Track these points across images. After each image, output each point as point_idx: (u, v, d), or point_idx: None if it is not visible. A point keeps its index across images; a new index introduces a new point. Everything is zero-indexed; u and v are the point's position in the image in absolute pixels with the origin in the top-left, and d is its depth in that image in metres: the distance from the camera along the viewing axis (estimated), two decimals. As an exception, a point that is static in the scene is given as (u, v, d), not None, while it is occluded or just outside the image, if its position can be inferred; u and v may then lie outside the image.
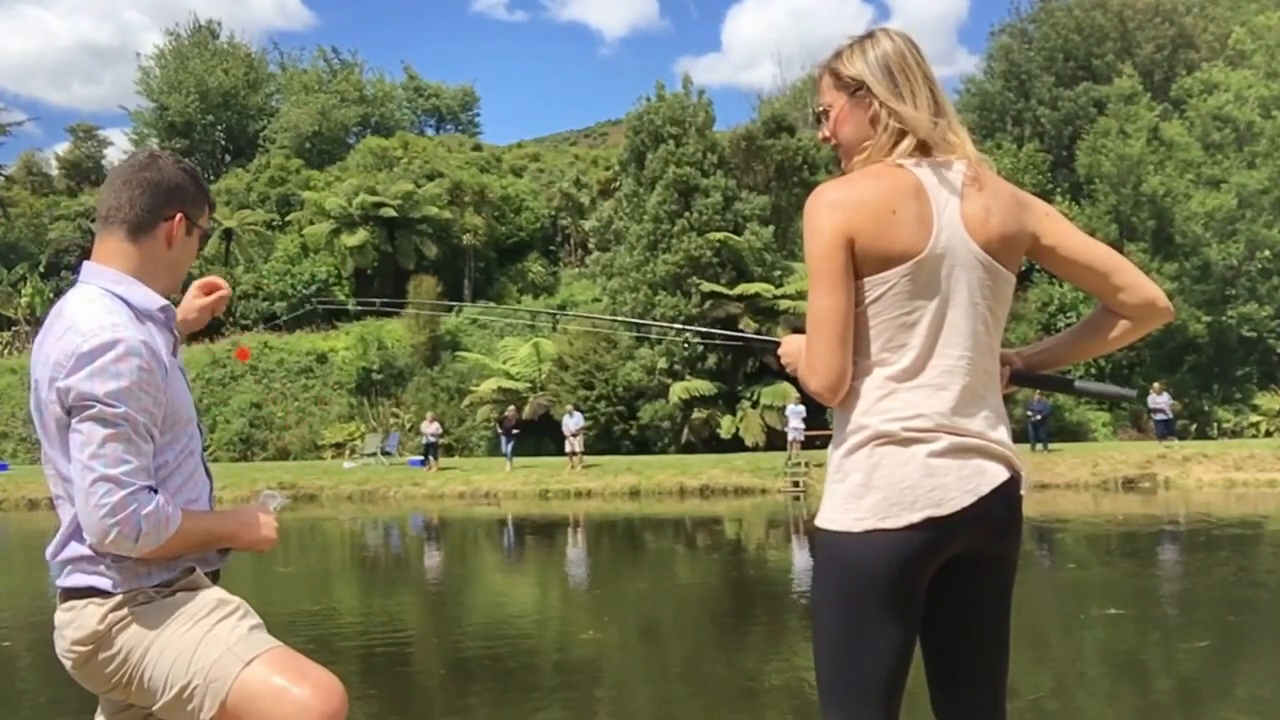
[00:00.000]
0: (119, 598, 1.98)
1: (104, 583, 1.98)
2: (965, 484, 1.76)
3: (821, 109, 1.95)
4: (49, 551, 2.06)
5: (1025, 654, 6.68)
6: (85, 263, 2.10)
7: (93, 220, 2.15)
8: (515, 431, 25.55)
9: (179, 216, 2.09)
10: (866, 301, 1.79)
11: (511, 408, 27.25)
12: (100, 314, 1.95)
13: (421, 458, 26.63)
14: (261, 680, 1.92)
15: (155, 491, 1.94)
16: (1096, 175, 31.53)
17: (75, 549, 2.00)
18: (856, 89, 1.87)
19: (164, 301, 2.08)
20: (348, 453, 31.70)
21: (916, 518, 1.73)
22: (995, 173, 1.90)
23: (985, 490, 1.77)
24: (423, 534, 17.99)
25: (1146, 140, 30.84)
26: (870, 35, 1.90)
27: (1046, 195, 34.22)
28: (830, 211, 1.78)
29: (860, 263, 1.78)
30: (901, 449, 1.76)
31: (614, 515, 19.01)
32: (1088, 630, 7.41)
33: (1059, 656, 6.60)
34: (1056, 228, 1.90)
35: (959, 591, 1.85)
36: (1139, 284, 1.90)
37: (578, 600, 10.21)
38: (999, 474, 1.80)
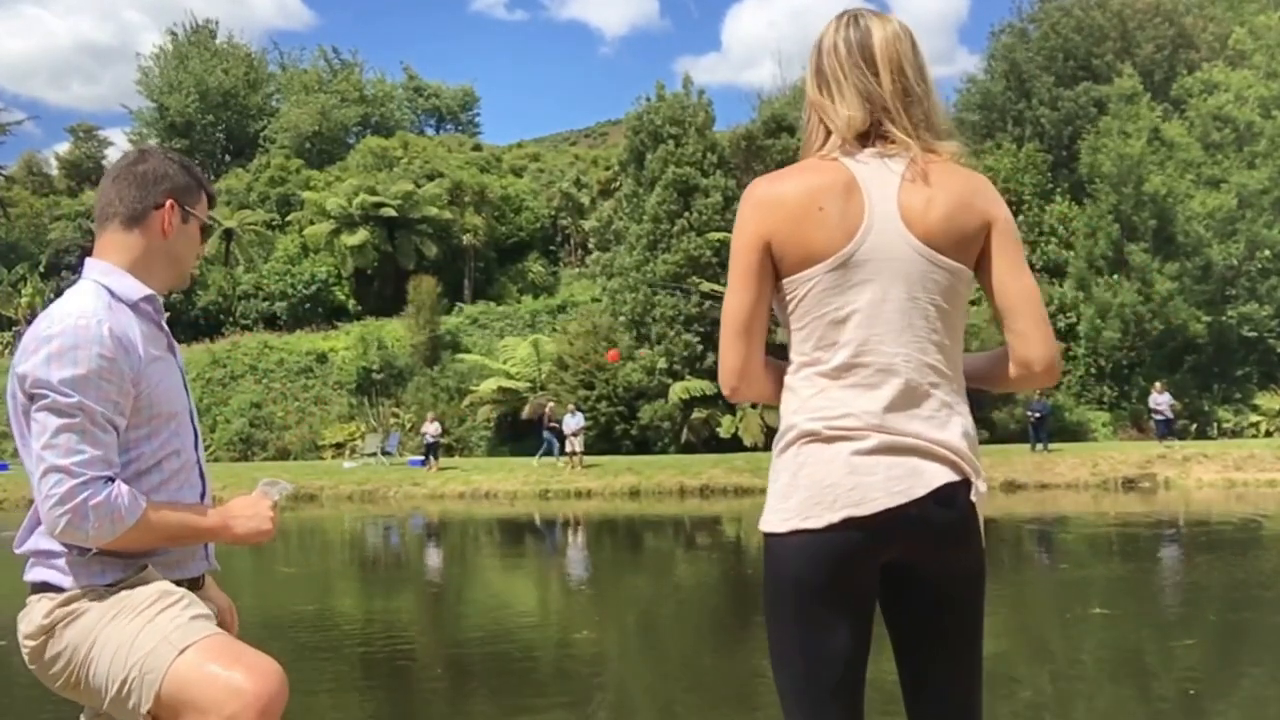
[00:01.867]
0: (68, 594, 1.96)
1: (57, 578, 1.97)
2: (894, 484, 1.69)
3: None
4: (15, 542, 2.05)
5: (1020, 652, 6.69)
6: (86, 259, 2.11)
7: (93, 221, 2.17)
8: (554, 425, 25.30)
9: (170, 203, 2.09)
10: (794, 301, 1.75)
11: (552, 403, 26.76)
12: (75, 302, 1.97)
13: (422, 458, 26.65)
14: (194, 667, 1.88)
15: (112, 481, 1.91)
16: (1097, 175, 31.54)
17: (36, 541, 2.00)
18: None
19: (147, 291, 2.06)
20: (348, 453, 31.69)
21: (836, 517, 1.68)
22: (954, 166, 1.79)
23: (919, 493, 1.69)
24: (423, 534, 17.99)
25: (1147, 140, 30.84)
26: (828, 25, 1.84)
27: (1047, 195, 34.28)
28: (751, 211, 1.76)
29: (780, 262, 1.74)
30: (826, 447, 1.72)
31: (614, 515, 19.01)
32: (1077, 629, 7.41)
33: (1052, 655, 6.60)
34: (995, 244, 1.78)
35: (917, 603, 1.79)
36: (1031, 339, 1.77)
37: (579, 600, 10.22)
38: (938, 476, 1.71)
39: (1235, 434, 29.46)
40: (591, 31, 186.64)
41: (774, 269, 1.76)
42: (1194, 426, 28.88)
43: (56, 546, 1.97)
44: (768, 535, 1.76)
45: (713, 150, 31.22)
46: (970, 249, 1.77)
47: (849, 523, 1.68)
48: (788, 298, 1.76)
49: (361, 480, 24.43)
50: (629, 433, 29.47)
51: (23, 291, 44.14)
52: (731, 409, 29.33)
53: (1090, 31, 36.73)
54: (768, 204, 1.74)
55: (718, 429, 28.75)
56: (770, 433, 27.52)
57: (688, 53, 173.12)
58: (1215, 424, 30.00)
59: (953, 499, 1.72)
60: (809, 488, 1.71)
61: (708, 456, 25.63)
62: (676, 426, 29.00)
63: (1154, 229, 30.18)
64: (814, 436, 1.73)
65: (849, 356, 1.73)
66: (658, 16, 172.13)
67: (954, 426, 1.75)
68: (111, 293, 2.02)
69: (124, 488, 1.93)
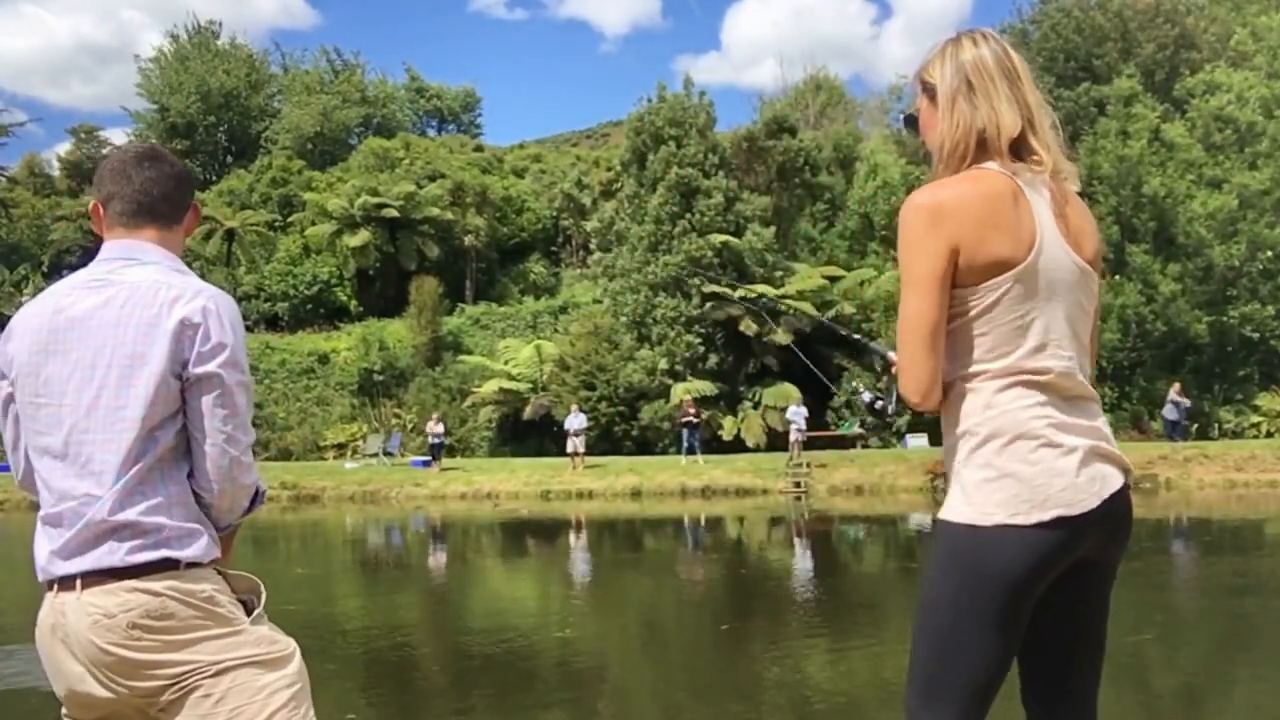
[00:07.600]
0: None
1: None
2: (1092, 486, 1.77)
3: (909, 113, 1.99)
4: None
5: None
6: None
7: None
8: (695, 422, 24.65)
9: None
10: (980, 309, 1.80)
11: (689, 395, 26.24)
12: None
13: (427, 458, 26.62)
14: None
15: None
16: (1096, 177, 31.52)
17: None
18: (937, 94, 1.89)
19: None
20: (349, 453, 31.71)
21: (1047, 516, 1.73)
22: (1075, 190, 1.94)
23: (1107, 494, 1.79)
24: (425, 534, 18.00)
25: (1148, 141, 30.81)
26: (955, 40, 1.91)
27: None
28: (935, 220, 1.78)
29: (965, 271, 1.78)
30: (1029, 448, 1.76)
31: (616, 516, 19.02)
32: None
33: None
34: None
35: (1074, 598, 1.86)
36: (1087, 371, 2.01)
37: (580, 601, 10.22)
38: (1117, 477, 1.82)
39: (1236, 435, 29.44)
40: (592, 30, 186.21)
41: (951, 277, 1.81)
42: (1195, 427, 28.86)
43: None
44: (961, 525, 1.78)
45: (714, 151, 31.21)
46: (1099, 265, 1.95)
47: (1059, 522, 1.73)
48: (970, 304, 1.80)
49: (363, 481, 24.44)
50: (630, 433, 29.47)
51: (25, 292, 44.15)
52: (733, 410, 29.33)
53: (1091, 32, 36.71)
54: (953, 213, 1.78)
55: (719, 430, 28.74)
56: (772, 434, 27.65)
57: (688, 51, 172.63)
58: (1216, 425, 29.98)
59: (1125, 498, 1.84)
60: (1017, 485, 1.75)
61: (709, 457, 25.64)
62: (678, 427, 28.99)
63: (1154, 230, 30.18)
64: (1015, 437, 1.77)
65: (1034, 363, 1.80)
66: (659, 15, 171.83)
67: (1107, 427, 1.88)
68: None
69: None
